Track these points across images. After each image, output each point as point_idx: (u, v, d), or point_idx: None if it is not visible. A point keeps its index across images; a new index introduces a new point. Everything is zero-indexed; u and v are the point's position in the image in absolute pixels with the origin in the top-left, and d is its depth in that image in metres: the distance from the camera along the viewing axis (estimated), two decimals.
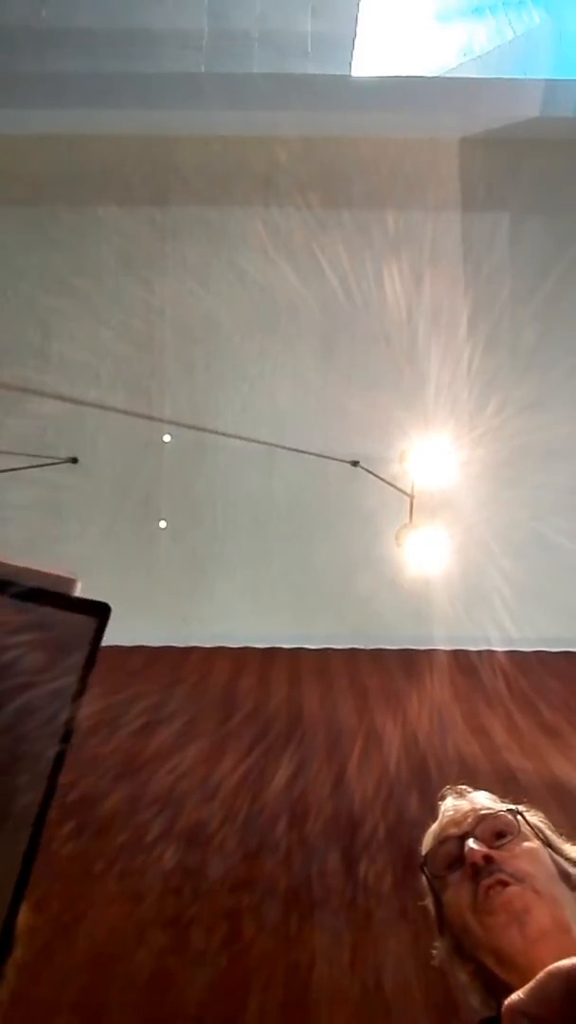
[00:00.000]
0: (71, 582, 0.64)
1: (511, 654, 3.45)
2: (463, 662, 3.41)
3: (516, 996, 0.32)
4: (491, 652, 3.47)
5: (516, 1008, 0.32)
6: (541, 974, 0.32)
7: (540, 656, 3.55)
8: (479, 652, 3.49)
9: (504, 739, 2.60)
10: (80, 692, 0.63)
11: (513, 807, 0.93)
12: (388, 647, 3.68)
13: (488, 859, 0.83)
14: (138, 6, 3.77)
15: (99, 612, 0.63)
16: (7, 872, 0.57)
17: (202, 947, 1.61)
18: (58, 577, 0.63)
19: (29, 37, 3.71)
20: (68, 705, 0.62)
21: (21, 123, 3.85)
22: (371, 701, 3.01)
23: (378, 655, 3.61)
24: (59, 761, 0.62)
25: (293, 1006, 1.48)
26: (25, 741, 0.60)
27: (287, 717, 2.81)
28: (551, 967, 0.31)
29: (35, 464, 3.60)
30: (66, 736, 0.63)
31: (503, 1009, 0.33)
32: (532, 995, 0.31)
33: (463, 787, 1.01)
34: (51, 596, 0.62)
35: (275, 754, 2.47)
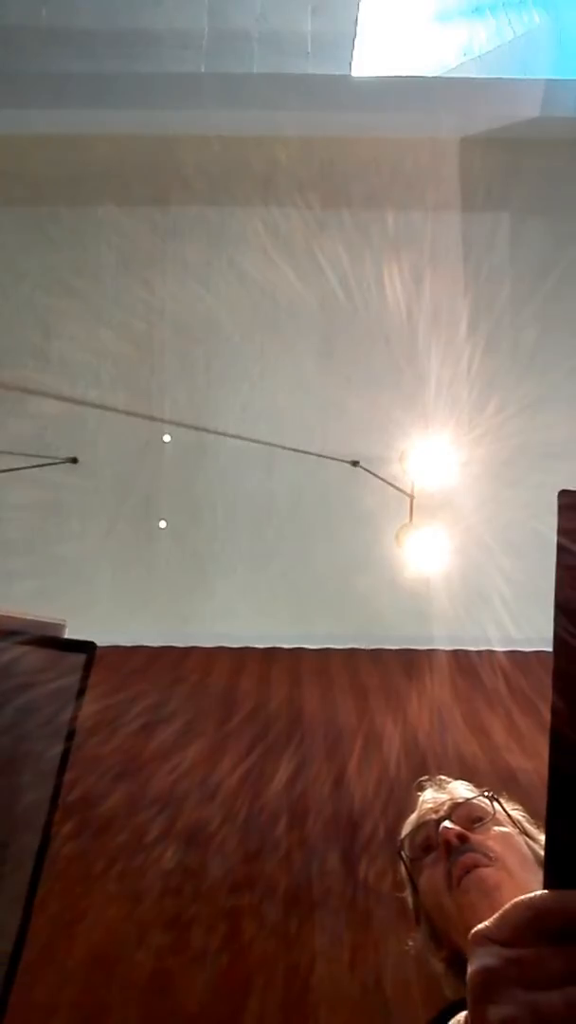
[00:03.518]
0: (59, 627, 0.66)
1: (511, 654, 3.44)
2: (463, 662, 3.41)
3: (483, 924, 0.33)
4: (491, 652, 3.47)
5: (482, 934, 0.33)
6: (507, 905, 0.33)
7: (540, 656, 3.54)
8: (479, 652, 3.49)
9: (504, 739, 2.59)
10: (78, 705, 0.65)
11: (489, 793, 0.94)
12: (388, 647, 3.68)
13: (462, 838, 0.85)
14: (138, 6, 3.77)
15: (87, 649, 0.67)
16: (22, 874, 0.58)
17: (202, 947, 1.61)
18: (47, 623, 0.66)
19: (29, 37, 3.71)
20: (63, 732, 0.64)
21: (21, 123, 3.85)
22: (371, 701, 3.01)
23: (378, 655, 3.61)
24: (56, 793, 0.65)
25: (293, 1006, 1.48)
26: (26, 752, 0.62)
27: (287, 717, 2.80)
28: (516, 899, 0.33)
29: (35, 464, 3.60)
30: (61, 769, 0.65)
31: (469, 937, 0.34)
32: (498, 922, 0.33)
33: (442, 777, 1.02)
34: (41, 641, 0.65)
35: (275, 754, 2.47)
